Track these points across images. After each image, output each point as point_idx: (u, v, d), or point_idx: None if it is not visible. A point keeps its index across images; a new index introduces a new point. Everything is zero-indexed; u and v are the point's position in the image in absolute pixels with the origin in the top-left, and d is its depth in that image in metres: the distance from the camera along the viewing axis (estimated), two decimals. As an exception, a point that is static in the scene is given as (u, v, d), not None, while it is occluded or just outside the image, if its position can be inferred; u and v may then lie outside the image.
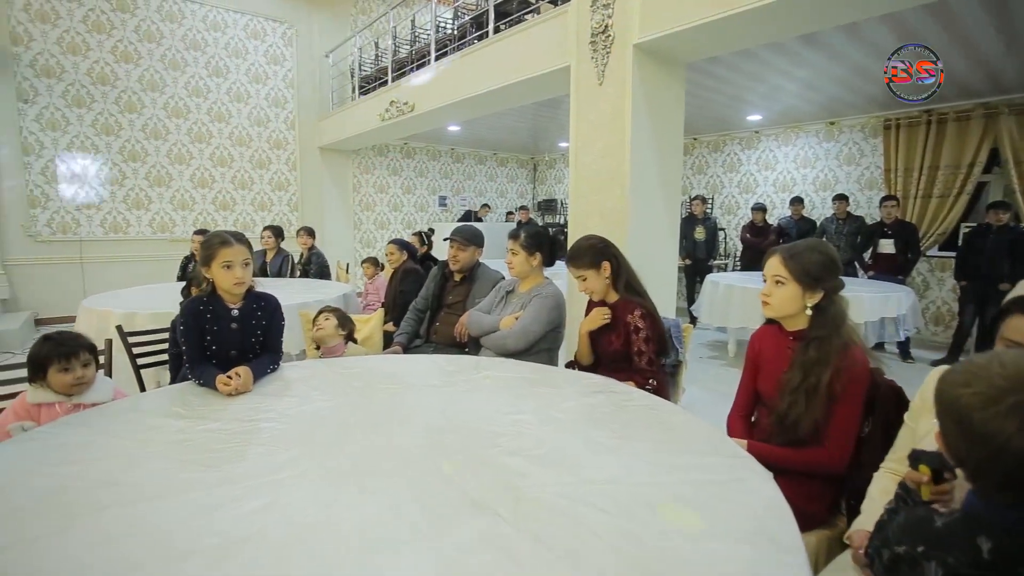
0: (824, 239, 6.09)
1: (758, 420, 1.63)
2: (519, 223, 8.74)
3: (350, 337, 2.59)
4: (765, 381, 1.59)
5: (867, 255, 5.69)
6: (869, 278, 5.39)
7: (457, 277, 2.97)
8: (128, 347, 2.30)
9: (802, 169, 7.17)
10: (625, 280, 2.07)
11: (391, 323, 3.65)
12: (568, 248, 2.14)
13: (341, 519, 0.95)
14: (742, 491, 1.07)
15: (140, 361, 2.40)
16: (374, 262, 5.19)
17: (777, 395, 1.49)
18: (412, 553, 0.85)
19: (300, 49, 8.11)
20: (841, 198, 5.93)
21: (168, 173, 7.24)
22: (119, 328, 2.32)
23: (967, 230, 5.63)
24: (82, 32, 6.51)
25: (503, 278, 2.85)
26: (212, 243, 1.77)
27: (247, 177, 7.90)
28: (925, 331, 5.95)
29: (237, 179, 7.81)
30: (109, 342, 2.05)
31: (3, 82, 6.09)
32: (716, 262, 7.14)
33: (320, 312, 2.57)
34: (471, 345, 2.61)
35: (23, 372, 1.71)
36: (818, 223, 6.38)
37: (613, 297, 2.09)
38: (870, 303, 4.21)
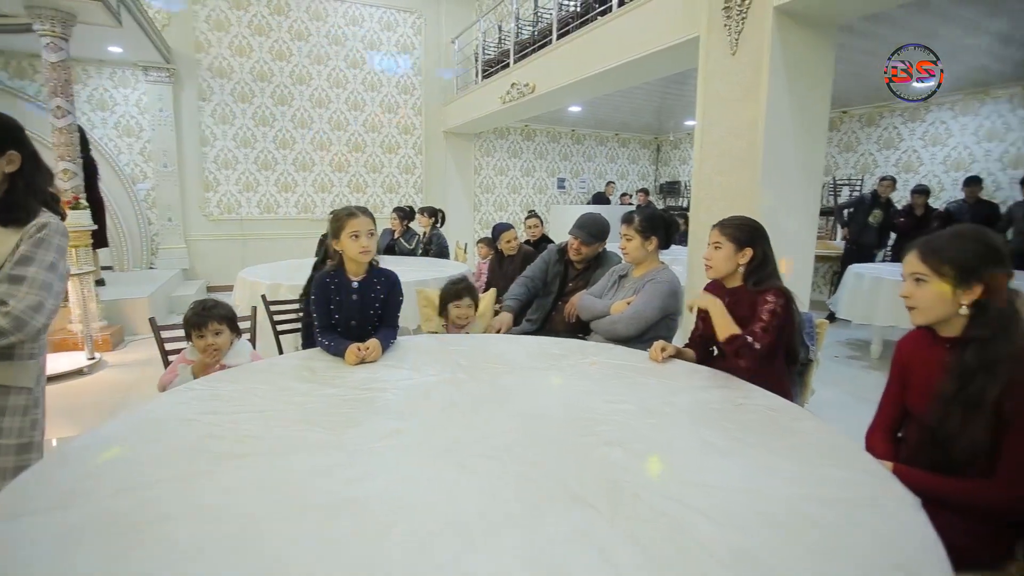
0: (1011, 227, 5.12)
1: (905, 437, 1.40)
2: (637, 206, 8.43)
3: None
4: (915, 395, 1.35)
5: None
6: None
7: (578, 266, 2.89)
8: (270, 315, 2.58)
9: (985, 143, 6.04)
10: (762, 277, 1.82)
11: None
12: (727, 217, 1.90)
13: (435, 497, 0.97)
14: (881, 516, 0.92)
15: (280, 328, 2.69)
16: (488, 243, 5.30)
17: (929, 409, 1.26)
18: (503, 539, 0.85)
19: (428, 37, 8.46)
20: None
21: (311, 159, 8.00)
22: (263, 297, 2.62)
23: None
24: (247, 35, 7.36)
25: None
26: (341, 215, 1.92)
27: (378, 161, 8.48)
28: None
29: (369, 163, 8.42)
30: (255, 309, 2.31)
31: (189, 84, 7.13)
32: (882, 251, 6.23)
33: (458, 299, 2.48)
34: (583, 329, 2.55)
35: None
36: (1002, 207, 5.37)
37: (735, 283, 1.90)
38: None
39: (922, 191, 5.66)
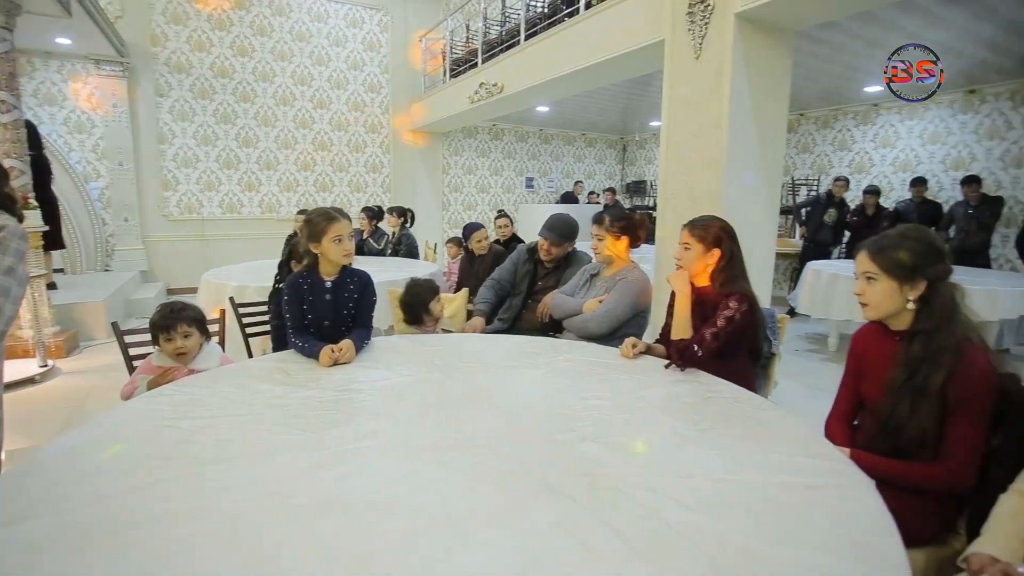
0: (952, 225, 5.42)
1: (861, 424, 1.49)
2: (605, 206, 8.55)
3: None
4: (869, 385, 1.44)
5: None
6: None
7: (548, 265, 2.93)
8: (239, 317, 2.53)
9: (929, 146, 6.38)
10: (728, 277, 1.87)
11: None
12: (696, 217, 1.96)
13: (420, 493, 0.99)
14: (839, 498, 0.98)
15: (249, 331, 2.64)
16: (458, 242, 5.31)
17: (881, 398, 1.35)
18: (487, 532, 0.87)
19: (395, 35, 8.37)
20: (971, 181, 5.22)
21: (276, 157, 7.82)
22: (231, 300, 2.56)
23: None
24: (207, 30, 7.14)
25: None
26: (320, 219, 1.88)
27: (344, 160, 8.35)
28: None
29: (335, 162, 8.29)
30: (223, 312, 2.27)
31: (145, 79, 6.87)
32: (838, 249, 6.50)
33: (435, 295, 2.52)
34: (555, 328, 2.59)
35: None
36: (945, 207, 5.68)
37: (703, 282, 1.97)
38: (1008, 298, 3.70)
39: (873, 191, 5.94)
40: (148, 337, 2.05)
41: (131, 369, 2.05)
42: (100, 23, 5.52)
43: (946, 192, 6.15)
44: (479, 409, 1.41)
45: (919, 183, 5.73)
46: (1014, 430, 1.22)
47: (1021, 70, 5.31)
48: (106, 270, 6.85)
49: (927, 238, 1.32)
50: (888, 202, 6.34)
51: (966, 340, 1.25)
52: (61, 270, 6.54)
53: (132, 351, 2.10)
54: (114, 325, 2.08)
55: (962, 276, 1.37)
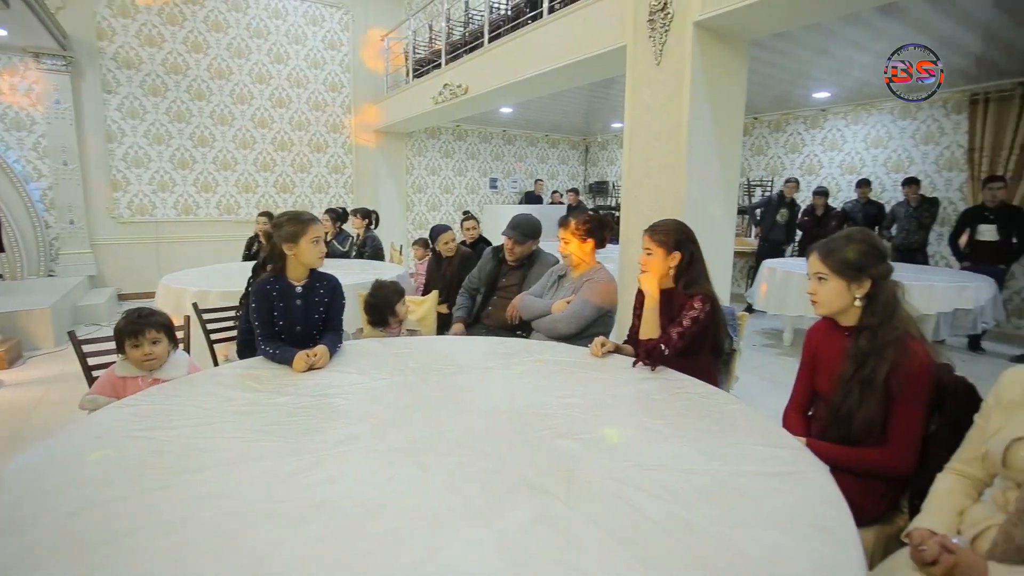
0: (894, 224, 5.75)
1: (815, 414, 1.59)
2: (569, 207, 8.66)
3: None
4: (822, 378, 1.54)
5: (963, 241, 5.14)
6: (963, 268, 4.92)
7: (512, 263, 2.98)
8: (203, 323, 2.47)
9: (872, 150, 6.74)
10: (691, 278, 1.95)
11: (444, 305, 3.73)
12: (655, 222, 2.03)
13: (402, 495, 1.01)
14: (798, 483, 1.06)
15: (212, 337, 2.58)
16: (424, 244, 5.29)
17: (833, 389, 1.44)
18: (472, 530, 0.90)
19: (356, 34, 8.25)
20: (911, 182, 5.54)
21: (233, 157, 7.59)
22: (195, 306, 2.50)
23: None
24: (157, 24, 6.87)
25: (558, 262, 2.85)
26: (300, 220, 1.89)
27: (306, 160, 8.18)
28: (1007, 324, 5.52)
29: (296, 162, 8.11)
30: (187, 318, 2.21)
31: (91, 75, 6.55)
32: (790, 247, 6.77)
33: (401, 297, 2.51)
34: (523, 328, 2.64)
35: (109, 344, 1.90)
36: (887, 207, 6.02)
37: (668, 284, 2.04)
38: (943, 293, 3.96)
39: (822, 192, 6.24)
40: (104, 347, 1.99)
41: (91, 381, 1.98)
42: (39, 13, 5.24)
43: (888, 193, 6.51)
44: (456, 410, 1.44)
45: (864, 184, 6.05)
46: (949, 415, 1.34)
47: (953, 81, 5.68)
48: (50, 275, 6.51)
49: (870, 240, 1.42)
50: (836, 202, 6.67)
51: (906, 334, 1.35)
52: (0, 276, 6.19)
53: (90, 360, 2.03)
54: (71, 334, 2.00)
55: (903, 273, 1.49)
